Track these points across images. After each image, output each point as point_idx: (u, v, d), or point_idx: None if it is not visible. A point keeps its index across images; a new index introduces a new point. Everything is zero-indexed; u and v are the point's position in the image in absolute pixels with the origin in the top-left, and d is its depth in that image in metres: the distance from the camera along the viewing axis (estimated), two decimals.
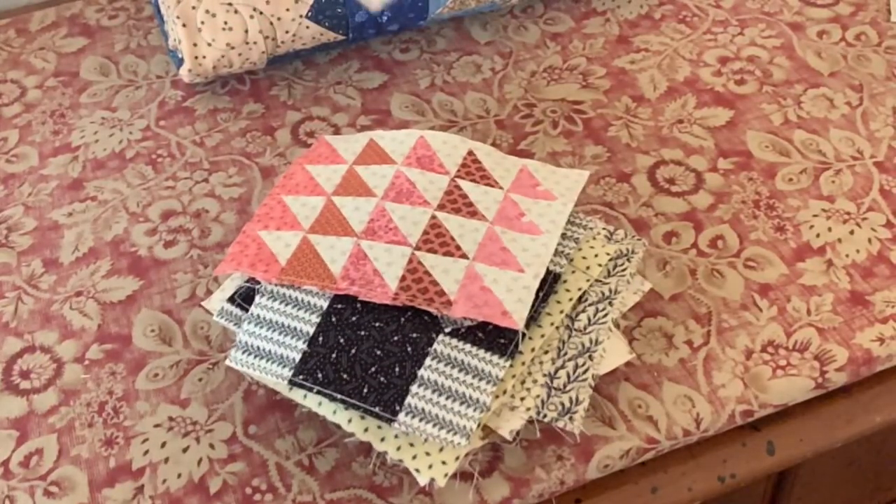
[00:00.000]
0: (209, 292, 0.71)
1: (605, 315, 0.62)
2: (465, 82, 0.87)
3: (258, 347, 0.59)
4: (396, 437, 0.56)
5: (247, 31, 0.81)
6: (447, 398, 0.56)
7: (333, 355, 0.58)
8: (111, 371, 0.67)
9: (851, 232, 0.72)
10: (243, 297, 0.62)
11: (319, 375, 0.57)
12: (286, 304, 0.60)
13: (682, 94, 0.84)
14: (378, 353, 0.58)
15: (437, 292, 0.59)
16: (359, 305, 0.60)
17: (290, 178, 0.69)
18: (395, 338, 0.58)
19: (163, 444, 0.62)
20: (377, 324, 0.59)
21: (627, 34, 0.91)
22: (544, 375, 0.59)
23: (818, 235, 0.72)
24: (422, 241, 0.62)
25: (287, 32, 0.82)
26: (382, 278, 0.60)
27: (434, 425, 0.55)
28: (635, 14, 0.93)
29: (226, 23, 0.80)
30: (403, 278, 0.60)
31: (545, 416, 0.58)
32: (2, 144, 0.83)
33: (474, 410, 0.56)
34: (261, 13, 0.81)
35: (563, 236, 0.65)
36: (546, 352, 0.60)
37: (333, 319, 0.59)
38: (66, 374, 0.67)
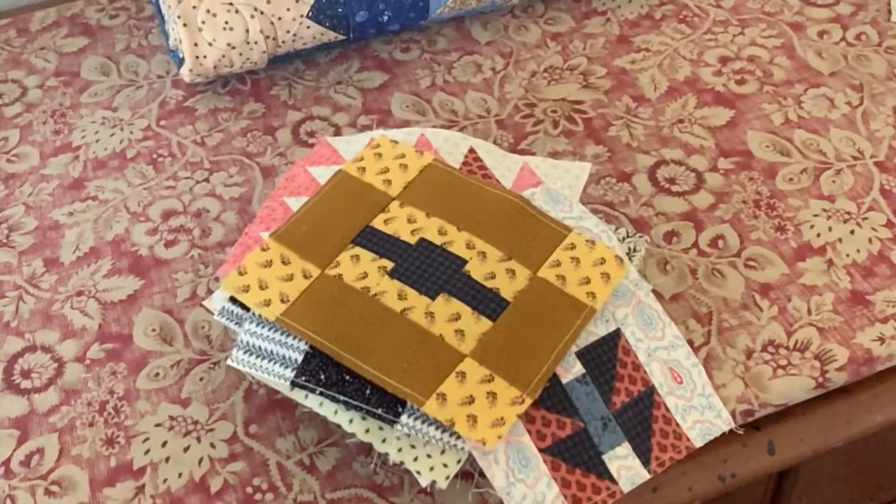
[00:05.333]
0: (210, 292, 0.71)
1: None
2: (466, 82, 0.87)
3: (260, 347, 0.59)
4: (398, 438, 0.56)
5: (248, 31, 0.81)
6: None
7: None
8: (112, 370, 0.67)
9: (852, 232, 0.73)
10: None
11: (322, 376, 0.57)
12: None
13: (683, 93, 0.84)
14: None
15: None
16: None
17: (292, 179, 0.69)
18: None
19: (164, 444, 0.62)
20: None
21: (628, 34, 0.91)
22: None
23: (819, 235, 0.72)
24: None
25: (288, 32, 0.82)
26: None
27: (436, 428, 0.55)
28: (636, 14, 0.93)
29: (227, 22, 0.80)
30: None
31: None
32: (3, 144, 0.83)
33: None
34: (261, 13, 0.81)
35: None
36: None
37: None
38: (66, 374, 0.67)
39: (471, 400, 0.54)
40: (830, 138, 0.80)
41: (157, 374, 0.66)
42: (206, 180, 0.79)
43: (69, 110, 0.86)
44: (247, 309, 0.60)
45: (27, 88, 0.89)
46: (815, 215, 0.74)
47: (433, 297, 0.58)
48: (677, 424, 0.59)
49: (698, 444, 0.60)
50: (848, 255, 0.71)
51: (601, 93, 0.85)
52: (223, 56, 0.82)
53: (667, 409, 0.59)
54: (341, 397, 0.56)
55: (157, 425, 0.63)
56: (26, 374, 0.67)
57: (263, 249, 0.62)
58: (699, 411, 0.60)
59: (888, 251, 0.71)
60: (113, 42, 0.93)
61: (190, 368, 0.66)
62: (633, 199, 0.76)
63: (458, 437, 0.55)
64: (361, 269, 0.60)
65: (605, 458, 0.57)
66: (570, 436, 0.56)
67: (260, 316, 0.60)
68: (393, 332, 0.57)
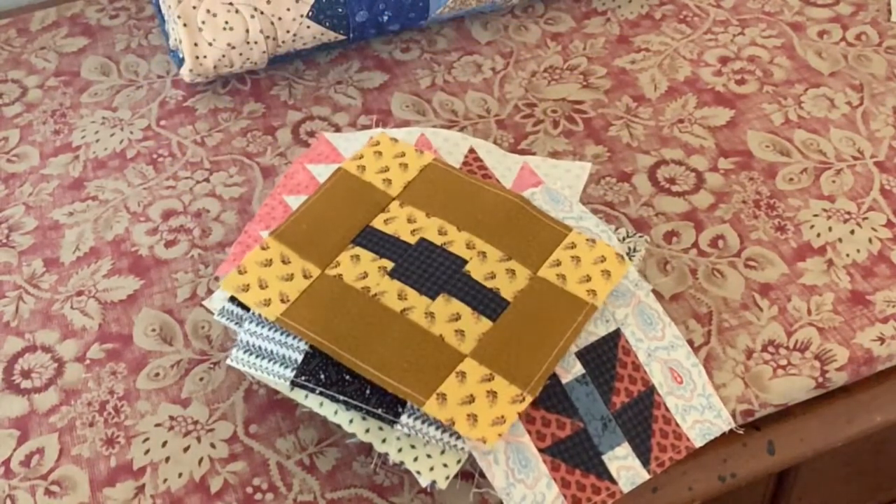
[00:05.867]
0: (210, 292, 0.71)
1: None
2: (466, 82, 0.87)
3: (260, 347, 0.59)
4: (398, 438, 0.56)
5: (248, 31, 0.81)
6: None
7: None
8: (112, 370, 0.67)
9: (852, 231, 0.73)
10: None
11: (322, 376, 0.57)
12: None
13: (683, 93, 0.84)
14: None
15: None
16: None
17: (292, 177, 0.69)
18: None
19: (164, 444, 0.62)
20: None
21: (628, 34, 0.91)
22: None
23: (819, 235, 0.72)
24: None
25: (288, 32, 0.82)
26: None
27: (437, 428, 0.55)
28: (636, 14, 0.93)
29: (227, 22, 0.80)
30: None
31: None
32: (3, 144, 0.83)
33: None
34: (262, 13, 0.81)
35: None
36: None
37: None
38: (66, 374, 0.67)
39: (471, 399, 0.54)
40: (830, 138, 0.80)
41: (157, 374, 0.66)
42: (206, 180, 0.79)
43: (69, 110, 0.86)
44: (247, 309, 0.60)
45: (27, 88, 0.89)
46: (815, 215, 0.74)
47: (433, 297, 0.58)
48: (677, 424, 0.59)
49: (698, 444, 0.60)
50: (848, 255, 0.71)
51: (601, 93, 0.85)
52: (223, 56, 0.82)
53: (667, 409, 0.59)
54: (341, 397, 0.56)
55: (157, 425, 0.63)
56: (26, 374, 0.67)
57: (263, 248, 0.62)
58: (699, 411, 0.60)
59: (888, 251, 0.71)
60: (113, 42, 0.93)
61: (190, 368, 0.66)
62: (633, 199, 0.76)
63: (458, 436, 0.55)
64: (361, 269, 0.60)
65: (604, 458, 0.57)
66: (570, 436, 0.56)
67: (260, 315, 0.60)
68: (393, 332, 0.57)
